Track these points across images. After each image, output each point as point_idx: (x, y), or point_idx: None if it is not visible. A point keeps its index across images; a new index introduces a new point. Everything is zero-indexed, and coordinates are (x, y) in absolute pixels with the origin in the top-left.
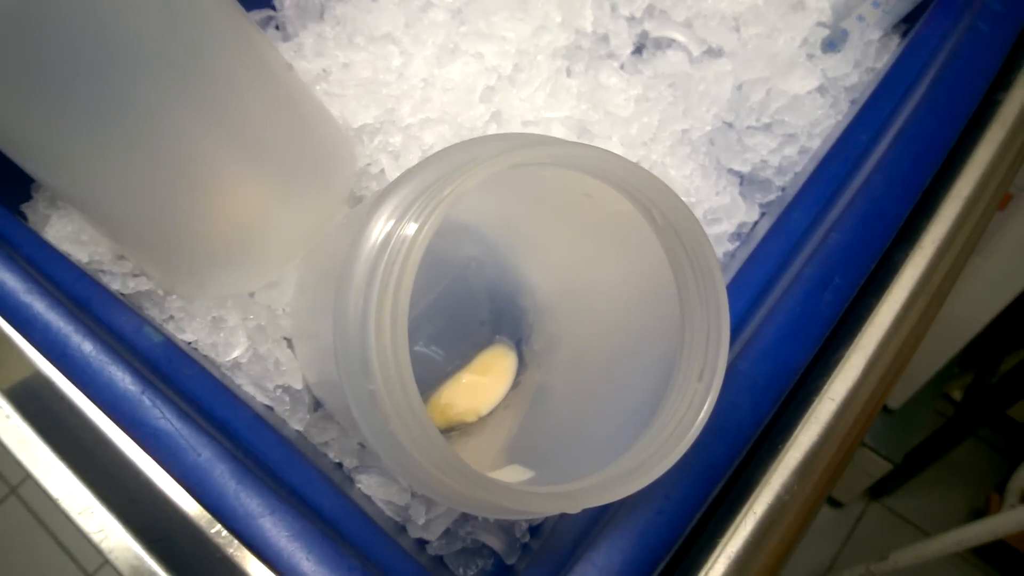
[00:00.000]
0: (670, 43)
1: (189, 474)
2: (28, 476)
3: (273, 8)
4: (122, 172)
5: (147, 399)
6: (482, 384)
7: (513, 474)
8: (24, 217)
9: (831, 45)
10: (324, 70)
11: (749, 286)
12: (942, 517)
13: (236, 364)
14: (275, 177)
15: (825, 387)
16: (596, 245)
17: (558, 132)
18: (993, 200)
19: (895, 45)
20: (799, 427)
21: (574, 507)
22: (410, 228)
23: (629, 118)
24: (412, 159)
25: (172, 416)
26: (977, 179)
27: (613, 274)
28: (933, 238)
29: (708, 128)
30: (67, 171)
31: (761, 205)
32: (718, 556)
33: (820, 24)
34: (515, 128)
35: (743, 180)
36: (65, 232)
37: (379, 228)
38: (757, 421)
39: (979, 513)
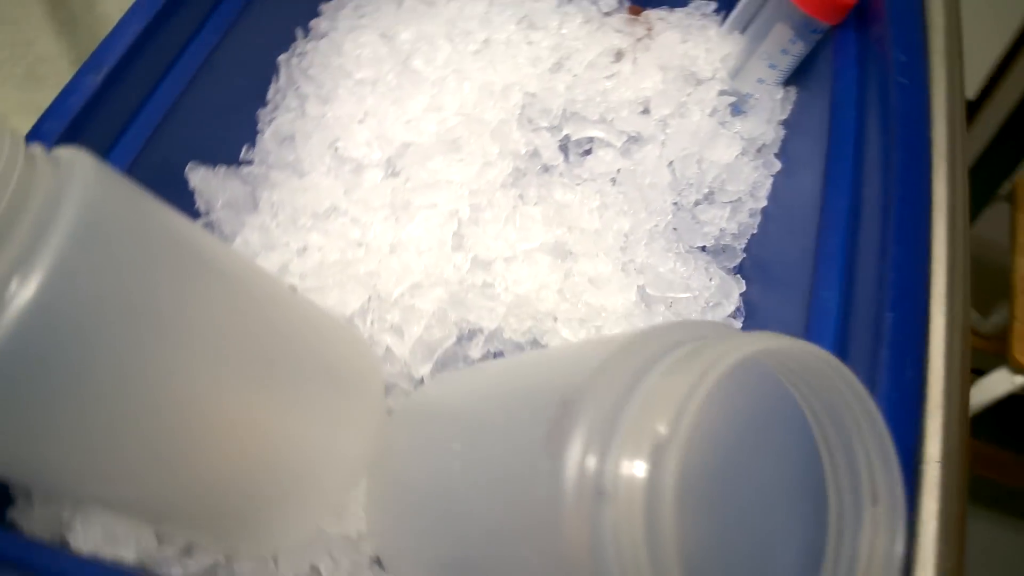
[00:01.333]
0: (590, 140)
1: None
2: None
3: (200, 214)
4: (165, 454)
5: None
6: None
7: None
8: (14, 527)
9: (737, 109)
10: (283, 265)
11: None
12: None
13: None
14: (317, 408)
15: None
16: None
17: (544, 261)
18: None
19: (793, 94)
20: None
21: None
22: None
23: (601, 229)
24: (417, 330)
25: None
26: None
27: None
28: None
29: (669, 216)
30: (95, 473)
31: (736, 270)
32: None
33: (723, 92)
34: (503, 268)
35: (708, 253)
36: (97, 536)
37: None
38: None
39: None
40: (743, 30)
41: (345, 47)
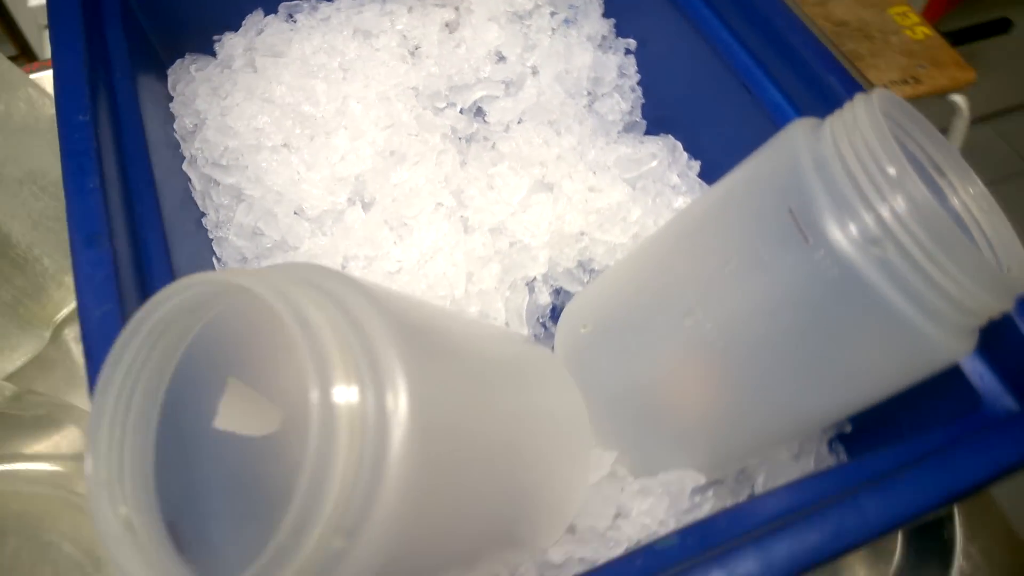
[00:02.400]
0: (480, 100)
1: None
2: None
3: None
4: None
5: None
6: None
7: None
8: None
9: (568, 21)
10: None
11: None
12: None
13: None
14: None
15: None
16: None
17: (541, 198)
18: None
19: None
20: None
21: None
22: None
23: (561, 153)
24: (500, 306)
25: None
26: None
27: None
28: None
29: (590, 120)
30: None
31: (648, 132)
32: None
33: (553, 14)
34: (517, 223)
35: (625, 132)
36: None
37: None
38: None
39: None
40: None
41: (238, 127)
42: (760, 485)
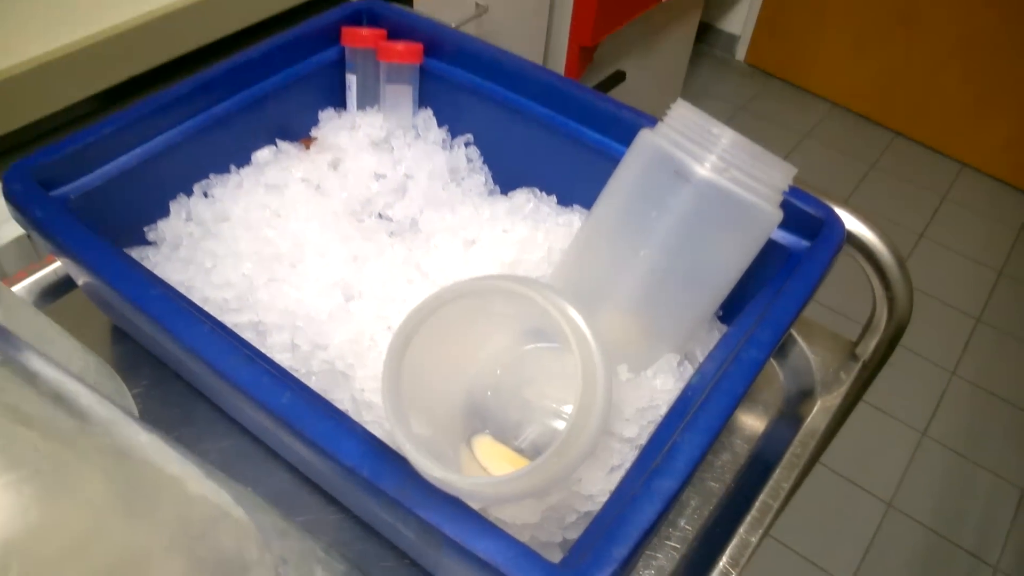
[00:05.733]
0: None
1: None
2: None
3: None
4: None
5: None
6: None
7: None
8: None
9: (418, 133)
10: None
11: None
12: None
13: None
14: None
15: None
16: None
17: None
18: None
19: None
20: None
21: None
22: None
23: (489, 217)
24: None
25: None
26: None
27: None
28: None
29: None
30: None
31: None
32: None
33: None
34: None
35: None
36: None
37: None
38: None
39: None
40: (370, 105)
41: (230, 279)
42: (699, 355)
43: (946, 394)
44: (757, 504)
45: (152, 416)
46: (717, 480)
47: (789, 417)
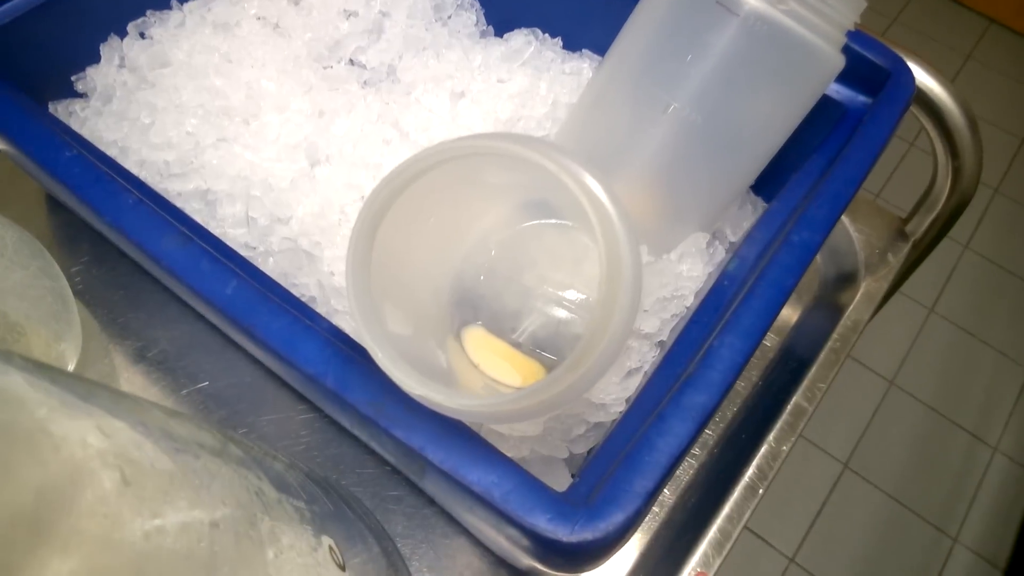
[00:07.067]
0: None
1: None
2: None
3: None
4: None
5: None
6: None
7: None
8: None
9: None
10: None
11: None
12: None
13: None
14: None
15: None
16: None
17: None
18: None
19: None
20: None
21: None
22: None
23: (480, 64)
24: None
25: None
26: None
27: None
28: None
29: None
30: None
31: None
32: None
33: None
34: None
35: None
36: None
37: None
38: None
39: None
40: None
41: (170, 138)
42: (730, 235)
43: (956, 269)
44: (789, 407)
45: (94, 298)
46: (742, 378)
47: (827, 306)
